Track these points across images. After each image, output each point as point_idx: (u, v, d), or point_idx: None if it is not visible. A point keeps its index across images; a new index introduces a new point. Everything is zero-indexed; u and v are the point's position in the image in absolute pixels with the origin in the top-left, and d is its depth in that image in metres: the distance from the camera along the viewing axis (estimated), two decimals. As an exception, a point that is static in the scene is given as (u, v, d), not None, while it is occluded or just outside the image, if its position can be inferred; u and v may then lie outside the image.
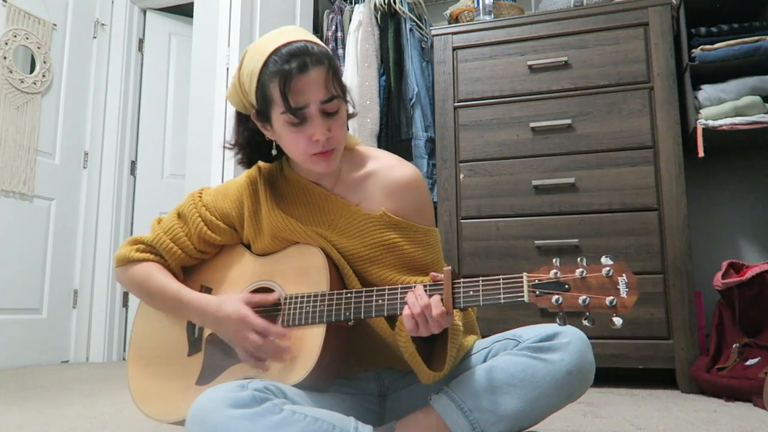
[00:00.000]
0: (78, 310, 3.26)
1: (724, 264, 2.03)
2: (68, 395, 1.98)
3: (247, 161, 1.16)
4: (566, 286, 0.88)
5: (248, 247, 1.17)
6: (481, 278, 0.92)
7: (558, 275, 0.88)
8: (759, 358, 1.79)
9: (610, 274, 0.86)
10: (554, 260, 0.90)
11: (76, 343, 3.24)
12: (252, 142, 1.13)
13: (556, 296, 0.87)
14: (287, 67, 0.97)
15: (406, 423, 1.01)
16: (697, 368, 1.93)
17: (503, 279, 0.91)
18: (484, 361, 1.05)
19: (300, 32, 1.04)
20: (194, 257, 1.17)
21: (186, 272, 1.19)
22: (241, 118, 1.12)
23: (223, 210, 1.16)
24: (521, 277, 0.90)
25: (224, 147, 1.18)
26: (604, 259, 0.88)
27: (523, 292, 0.89)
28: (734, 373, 1.79)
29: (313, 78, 0.98)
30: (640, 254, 2.10)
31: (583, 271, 0.87)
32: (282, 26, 1.08)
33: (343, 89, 1.04)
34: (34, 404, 1.80)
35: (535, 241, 2.20)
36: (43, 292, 3.09)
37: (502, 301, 0.90)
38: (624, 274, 0.86)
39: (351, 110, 1.11)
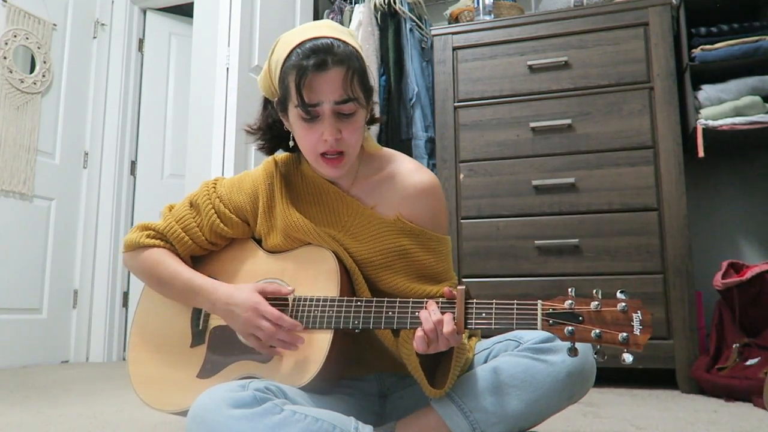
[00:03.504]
0: (78, 310, 3.26)
1: (724, 264, 2.03)
2: (68, 395, 1.98)
3: (267, 148, 1.15)
4: (580, 318, 0.87)
5: (259, 242, 1.17)
6: (494, 301, 0.91)
7: (573, 306, 0.88)
8: (759, 358, 1.79)
9: (626, 309, 0.85)
10: (569, 290, 0.90)
11: (76, 343, 3.24)
12: (273, 129, 1.12)
13: (570, 327, 0.86)
14: (305, 63, 0.96)
15: (406, 423, 1.01)
16: (697, 368, 1.93)
17: (517, 305, 0.90)
18: (485, 361, 1.05)
19: (333, 29, 1.03)
20: (204, 248, 1.16)
21: (195, 262, 1.18)
22: (267, 104, 1.12)
23: (238, 203, 1.15)
24: (535, 305, 0.89)
25: (245, 130, 1.16)
26: (619, 294, 0.87)
27: (536, 320, 0.88)
28: (734, 373, 1.79)
29: (331, 77, 0.97)
30: (640, 254, 2.10)
31: (598, 304, 0.87)
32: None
33: (366, 93, 1.03)
34: (34, 404, 1.80)
35: (535, 241, 2.20)
36: (43, 292, 3.09)
37: (515, 327, 0.89)
38: (639, 311, 0.85)
39: (377, 114, 1.10)
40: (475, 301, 0.92)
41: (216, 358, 1.09)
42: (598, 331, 0.85)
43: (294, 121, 1.03)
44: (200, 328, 1.13)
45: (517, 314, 0.90)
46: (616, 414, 1.58)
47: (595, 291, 0.88)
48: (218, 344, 1.10)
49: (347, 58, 0.99)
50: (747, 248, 2.57)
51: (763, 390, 1.61)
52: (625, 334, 0.84)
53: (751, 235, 2.58)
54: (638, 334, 0.84)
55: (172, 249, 1.15)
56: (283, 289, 1.05)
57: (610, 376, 2.22)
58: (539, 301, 0.90)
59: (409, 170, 1.11)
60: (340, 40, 1.00)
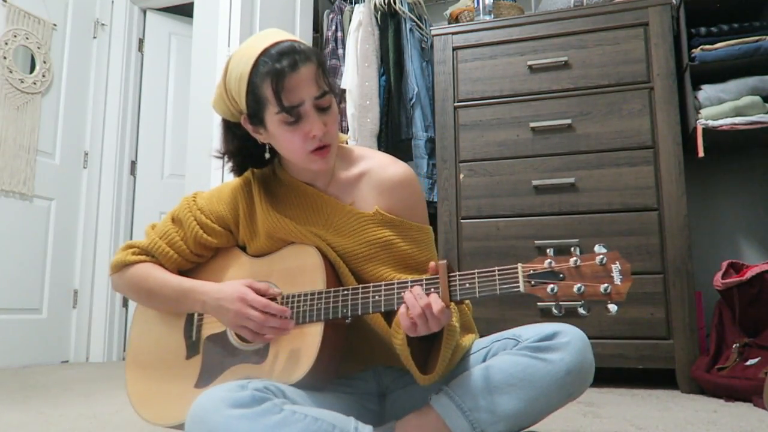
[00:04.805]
0: (78, 310, 3.26)
1: (724, 264, 2.03)
2: (68, 395, 1.98)
3: (238, 169, 1.16)
4: (561, 276, 0.88)
5: (244, 248, 1.18)
6: (476, 271, 0.93)
7: (552, 265, 0.89)
8: (759, 358, 1.79)
9: (604, 261, 0.87)
10: (548, 250, 0.91)
11: (76, 343, 3.24)
12: (243, 149, 1.13)
13: (552, 285, 0.87)
14: (279, 66, 0.97)
15: (405, 423, 1.01)
16: (697, 368, 1.93)
17: (498, 270, 0.91)
18: (484, 360, 1.05)
19: (283, 33, 1.04)
20: (190, 261, 1.18)
21: (182, 275, 1.19)
22: (229, 126, 1.12)
23: (219, 212, 1.16)
24: (516, 268, 0.90)
25: (214, 156, 1.18)
26: (597, 248, 0.88)
27: (518, 282, 0.89)
28: (734, 373, 1.79)
29: (305, 75, 0.99)
30: (640, 254, 2.10)
31: (576, 260, 0.88)
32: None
33: (332, 84, 1.05)
34: (34, 404, 1.80)
35: (535, 241, 2.20)
36: (43, 292, 3.09)
37: (498, 291, 0.90)
38: (617, 262, 0.87)
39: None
40: (458, 273, 0.93)
41: (212, 366, 1.09)
42: (579, 285, 0.86)
43: (276, 128, 1.03)
44: (194, 339, 1.13)
45: (499, 280, 0.90)
46: (616, 414, 1.58)
47: (572, 248, 0.90)
48: (213, 352, 1.10)
49: (312, 54, 1.01)
50: (747, 248, 2.57)
51: (763, 390, 1.61)
52: (606, 284, 0.85)
53: (751, 235, 2.57)
54: (619, 283, 0.85)
55: (158, 264, 1.16)
56: (271, 290, 1.05)
57: (610, 376, 2.22)
58: (519, 264, 0.90)
59: (383, 164, 1.13)
60: (296, 41, 1.02)
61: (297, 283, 1.06)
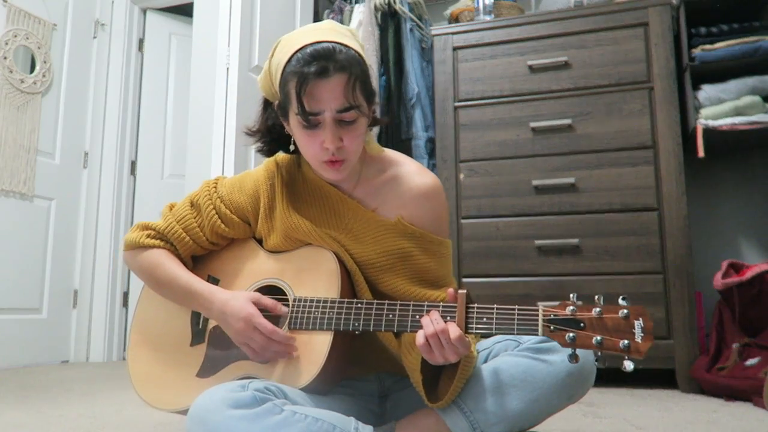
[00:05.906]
0: (78, 310, 3.26)
1: (724, 264, 2.03)
2: (68, 395, 1.98)
3: (267, 150, 1.15)
4: (581, 324, 0.87)
5: (260, 241, 1.16)
6: (495, 306, 0.91)
7: (574, 312, 0.87)
8: (759, 358, 1.79)
9: (627, 316, 0.85)
10: (571, 296, 0.89)
11: (76, 343, 3.24)
12: (273, 131, 1.11)
13: (571, 334, 0.86)
14: (306, 70, 0.94)
15: (406, 424, 1.01)
16: (697, 368, 1.93)
17: (518, 310, 0.90)
18: (485, 361, 1.05)
19: (334, 31, 1.00)
20: (205, 248, 1.16)
21: (195, 260, 1.18)
22: (268, 105, 1.11)
23: (239, 204, 1.14)
24: (537, 311, 0.89)
25: (244, 133, 1.15)
26: (621, 301, 0.87)
27: (537, 326, 0.88)
28: (734, 373, 1.79)
29: (332, 85, 0.95)
30: (640, 254, 2.10)
31: (599, 311, 0.86)
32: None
33: (368, 98, 1.01)
34: (34, 404, 1.80)
35: (535, 241, 2.20)
36: (43, 292, 3.09)
37: (516, 332, 0.89)
38: (641, 318, 0.85)
39: (379, 116, 1.10)
40: (476, 305, 0.92)
41: (216, 357, 1.08)
42: (599, 337, 0.85)
43: (295, 127, 1.02)
44: (200, 327, 1.12)
45: (518, 320, 0.89)
46: (616, 414, 1.58)
47: (597, 297, 0.88)
48: (218, 343, 1.09)
49: (349, 64, 0.96)
50: (747, 248, 2.57)
51: (763, 390, 1.61)
52: (626, 341, 0.84)
53: (751, 235, 2.57)
54: (639, 341, 0.83)
55: (172, 249, 1.14)
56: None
57: (610, 376, 2.22)
58: (540, 307, 0.89)
59: (412, 172, 1.10)
60: (341, 44, 0.97)
61: (311, 287, 1.05)
